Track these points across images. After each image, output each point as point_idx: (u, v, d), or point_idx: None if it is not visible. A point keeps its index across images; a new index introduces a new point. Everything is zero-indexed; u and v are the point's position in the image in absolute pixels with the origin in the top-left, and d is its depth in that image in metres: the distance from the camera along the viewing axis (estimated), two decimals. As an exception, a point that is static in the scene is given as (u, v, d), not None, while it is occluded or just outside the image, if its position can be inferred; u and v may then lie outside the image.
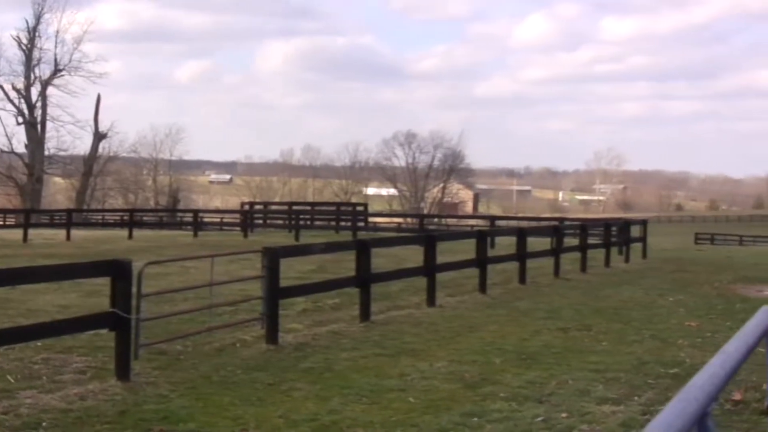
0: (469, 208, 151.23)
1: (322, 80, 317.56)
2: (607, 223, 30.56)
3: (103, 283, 12.24)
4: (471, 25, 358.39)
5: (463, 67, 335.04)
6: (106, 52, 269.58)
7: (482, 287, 20.29)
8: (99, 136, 79.94)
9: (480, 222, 56.28)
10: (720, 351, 2.33)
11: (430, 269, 18.34)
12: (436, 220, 61.10)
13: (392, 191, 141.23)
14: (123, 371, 10.86)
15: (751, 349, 2.51)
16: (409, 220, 65.67)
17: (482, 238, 21.09)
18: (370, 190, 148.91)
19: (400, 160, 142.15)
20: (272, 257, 13.78)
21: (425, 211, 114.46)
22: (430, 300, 18.08)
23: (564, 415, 9.55)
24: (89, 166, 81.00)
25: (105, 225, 54.28)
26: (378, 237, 30.89)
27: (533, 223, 47.05)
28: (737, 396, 10.12)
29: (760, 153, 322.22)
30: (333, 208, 61.68)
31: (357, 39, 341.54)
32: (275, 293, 13.81)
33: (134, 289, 11.47)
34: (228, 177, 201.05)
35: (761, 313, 2.92)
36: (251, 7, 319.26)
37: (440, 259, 19.41)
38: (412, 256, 23.10)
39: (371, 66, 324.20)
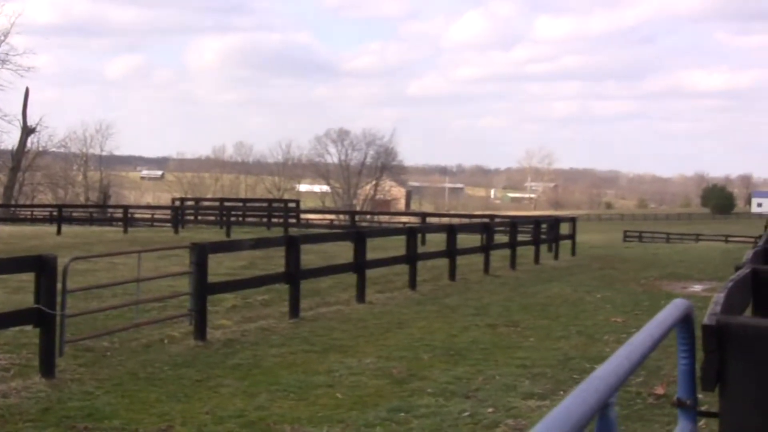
0: (401, 205, 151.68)
1: (255, 77, 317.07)
2: (536, 221, 30.79)
3: (29, 280, 12.08)
4: (406, 24, 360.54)
5: (398, 65, 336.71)
6: (36, 46, 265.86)
7: (412, 284, 20.37)
8: (27, 131, 78.63)
9: (412, 219, 56.47)
10: (627, 342, 2.37)
11: (359, 266, 18.36)
12: (369, 217, 60.99)
13: (325, 188, 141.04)
14: (47, 368, 10.74)
15: (658, 341, 2.55)
16: (341, 216, 65.58)
17: (412, 234, 21.16)
18: (303, 187, 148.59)
19: (332, 157, 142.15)
20: (200, 253, 13.71)
21: (358, 208, 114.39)
22: (360, 296, 18.10)
23: (490, 410, 9.63)
24: (17, 161, 79.61)
25: (33, 221, 53.42)
26: (307, 233, 30.89)
27: (465, 220, 47.28)
28: (660, 390, 10.28)
29: (688, 152, 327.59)
30: (264, 204, 61.42)
31: (292, 36, 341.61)
32: (203, 289, 13.73)
33: (60, 285, 11.35)
34: (160, 173, 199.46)
35: (671, 305, 2.97)
36: (185, 2, 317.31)
37: (371, 255, 19.43)
38: (344, 252, 23.12)
39: (305, 63, 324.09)
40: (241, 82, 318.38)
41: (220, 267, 21.52)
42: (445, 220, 51.18)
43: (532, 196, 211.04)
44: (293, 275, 16.06)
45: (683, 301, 3.12)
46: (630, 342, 2.39)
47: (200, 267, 13.71)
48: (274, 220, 47.07)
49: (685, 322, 3.11)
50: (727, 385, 3.04)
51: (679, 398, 3.13)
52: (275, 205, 60.56)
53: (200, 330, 13.46)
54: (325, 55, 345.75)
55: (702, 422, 2.92)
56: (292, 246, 16.25)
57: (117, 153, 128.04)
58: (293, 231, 39.84)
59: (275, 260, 21.48)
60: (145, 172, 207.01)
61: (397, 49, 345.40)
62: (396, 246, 23.54)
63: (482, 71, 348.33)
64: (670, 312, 2.91)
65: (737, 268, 5.12)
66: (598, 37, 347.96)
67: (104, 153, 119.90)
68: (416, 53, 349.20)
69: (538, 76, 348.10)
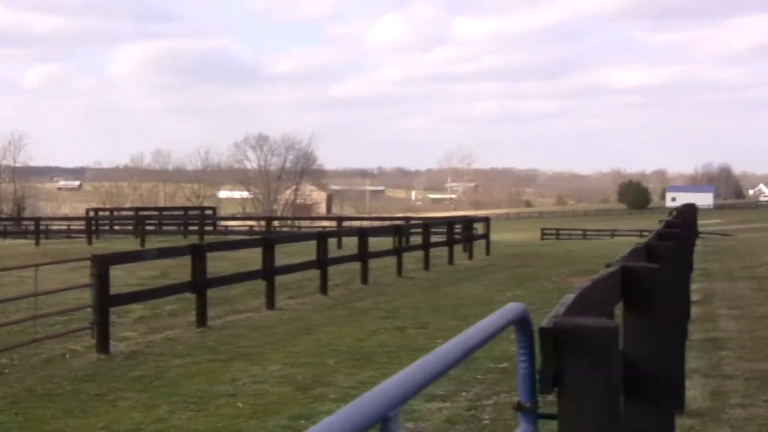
0: (322, 209, 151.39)
1: (176, 83, 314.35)
2: (450, 222, 30.94)
3: None
4: (328, 27, 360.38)
5: (320, 69, 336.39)
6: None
7: (323, 288, 20.30)
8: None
9: (333, 223, 56.32)
10: (432, 352, 2.35)
11: (268, 272, 18.26)
12: (289, 222, 60.76)
13: (245, 194, 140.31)
14: (-60, 387, 10.48)
15: (471, 351, 2.53)
16: (262, 223, 65.28)
17: (322, 239, 21.10)
18: (223, 194, 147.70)
19: (252, 162, 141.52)
20: (101, 265, 13.51)
21: (279, 214, 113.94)
22: (270, 303, 18.00)
23: (391, 413, 9.59)
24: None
25: (-56, 235, 52.35)
26: (213, 241, 30.64)
27: (386, 223, 47.27)
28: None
29: (606, 149, 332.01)
30: (181, 212, 60.83)
31: (214, 41, 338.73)
32: (105, 301, 13.54)
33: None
34: (77, 183, 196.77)
35: (503, 311, 2.95)
36: (105, 10, 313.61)
37: (286, 261, 19.36)
38: (259, 259, 22.96)
39: (228, 68, 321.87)
40: (162, 88, 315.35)
41: (131, 277, 21.30)
42: (366, 224, 51.18)
43: (453, 196, 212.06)
44: (199, 284, 15.91)
45: (516, 305, 3.12)
46: (435, 352, 2.37)
47: (101, 279, 13.51)
48: (191, 227, 46.68)
49: (523, 325, 3.10)
50: (565, 388, 3.04)
51: (520, 401, 3.12)
52: (192, 212, 60.01)
53: (103, 343, 13.26)
54: (248, 59, 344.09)
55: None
56: (197, 254, 16.10)
57: (32, 164, 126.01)
58: (210, 238, 39.55)
59: (188, 269, 21.24)
60: (62, 183, 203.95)
61: (320, 53, 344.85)
62: (311, 251, 23.46)
63: (404, 73, 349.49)
64: (493, 319, 2.89)
65: (607, 266, 5.14)
66: (519, 36, 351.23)
67: (18, 164, 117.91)
68: (338, 56, 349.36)
69: (460, 77, 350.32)
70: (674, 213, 20.15)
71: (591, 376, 2.99)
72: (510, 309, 3.02)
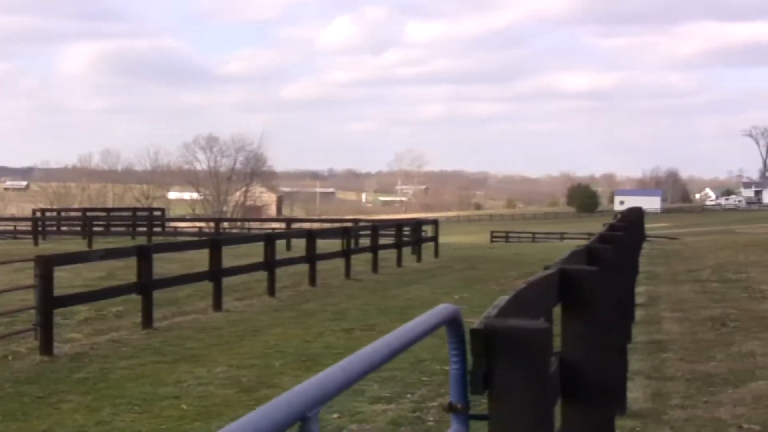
0: (272, 211, 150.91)
1: (125, 83, 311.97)
2: (398, 224, 31.01)
3: None
4: (278, 28, 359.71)
5: (270, 70, 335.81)
6: None
7: (271, 290, 20.26)
8: None
9: (283, 225, 56.17)
10: (355, 353, 2.37)
11: (215, 273, 18.19)
12: (239, 224, 60.52)
13: (195, 195, 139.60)
14: None
15: (397, 352, 2.56)
16: (211, 224, 64.96)
17: (270, 241, 21.06)
18: (173, 195, 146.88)
19: (201, 163, 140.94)
20: (45, 265, 13.39)
21: (229, 215, 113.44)
22: (217, 304, 17.93)
23: (335, 415, 9.61)
24: None
25: None
26: (160, 243, 30.46)
27: (335, 225, 47.21)
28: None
29: (556, 153, 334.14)
30: (129, 213, 60.40)
31: (163, 42, 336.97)
32: (49, 302, 13.42)
33: None
34: (24, 183, 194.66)
35: (425, 316, 2.97)
36: (52, 9, 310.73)
37: (235, 262, 19.29)
38: (207, 260, 22.86)
39: (177, 69, 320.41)
40: (110, 89, 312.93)
41: (77, 278, 21.15)
42: (316, 225, 51.11)
43: (403, 199, 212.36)
44: (145, 285, 15.82)
45: (447, 306, 3.15)
46: (358, 353, 2.39)
47: (45, 280, 13.39)
48: (140, 229, 46.38)
49: (454, 326, 3.13)
50: (496, 389, 3.07)
51: (451, 402, 3.15)
52: (140, 213, 59.62)
53: (46, 344, 13.14)
54: (198, 60, 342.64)
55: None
56: (143, 256, 16.01)
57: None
58: (159, 240, 39.33)
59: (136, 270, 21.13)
60: (9, 183, 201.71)
61: (270, 54, 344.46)
62: (261, 253, 23.35)
63: (354, 75, 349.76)
64: (422, 320, 2.91)
65: (546, 268, 5.19)
66: (469, 40, 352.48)
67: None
68: (289, 58, 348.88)
69: (410, 80, 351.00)
70: (619, 216, 20.33)
71: (521, 378, 3.02)
72: (440, 310, 3.05)
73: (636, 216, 27.39)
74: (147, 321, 15.63)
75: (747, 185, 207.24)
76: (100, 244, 38.70)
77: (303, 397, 1.90)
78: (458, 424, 3.12)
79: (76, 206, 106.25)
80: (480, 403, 3.43)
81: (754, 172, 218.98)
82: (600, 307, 5.54)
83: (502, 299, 3.53)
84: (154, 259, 16.54)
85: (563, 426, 5.33)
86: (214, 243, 18.73)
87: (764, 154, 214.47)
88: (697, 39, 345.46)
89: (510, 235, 72.93)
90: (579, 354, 5.09)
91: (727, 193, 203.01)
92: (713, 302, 18.73)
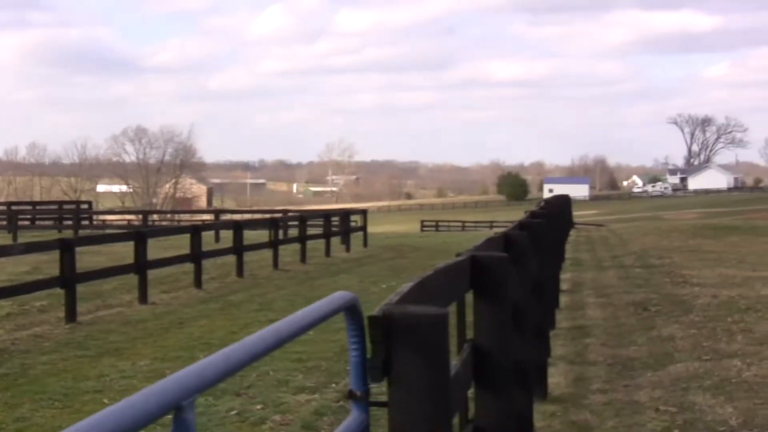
0: (203, 202, 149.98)
1: (52, 74, 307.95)
2: (327, 214, 30.99)
3: None
4: (209, 18, 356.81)
5: (201, 61, 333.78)
6: None
7: (197, 282, 20.15)
8: None
9: (213, 217, 55.85)
10: (240, 341, 2.37)
11: (140, 266, 18.04)
12: (169, 216, 60.06)
13: (124, 188, 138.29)
14: None
15: (285, 340, 2.56)
16: (141, 216, 64.39)
17: (196, 232, 20.93)
18: (101, 188, 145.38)
19: (130, 156, 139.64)
20: (-37, 261, 13.18)
21: (159, 207, 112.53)
22: (142, 297, 17.78)
23: (259, 406, 9.60)
24: None
25: None
26: (84, 236, 30.12)
27: (266, 216, 47.02)
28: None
29: (486, 141, 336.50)
30: (55, 207, 59.62)
31: (91, 32, 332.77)
32: (-32, 298, 13.21)
33: None
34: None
35: (320, 303, 2.97)
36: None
37: (164, 254, 19.14)
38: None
39: (106, 60, 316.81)
40: (36, 80, 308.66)
41: (0, 273, 20.88)
42: (247, 216, 50.88)
43: (334, 189, 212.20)
44: (68, 279, 15.64)
45: (344, 293, 3.16)
46: (242, 341, 2.39)
47: (-36, 275, 13.18)
48: (67, 222, 45.81)
49: (352, 313, 3.15)
50: (395, 376, 3.09)
51: (351, 390, 3.16)
52: (67, 207, 58.88)
53: (-34, 340, 12.94)
54: (127, 51, 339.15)
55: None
56: (66, 249, 15.82)
57: None
58: (86, 233, 38.88)
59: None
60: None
61: (200, 44, 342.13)
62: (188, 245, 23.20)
63: (285, 65, 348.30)
64: (316, 308, 2.92)
65: (458, 255, 5.22)
66: (401, 29, 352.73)
67: None
68: (219, 48, 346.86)
69: (342, 69, 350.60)
70: (542, 204, 20.53)
71: (419, 364, 3.04)
72: (336, 298, 3.06)
73: (561, 203, 27.67)
74: (71, 315, 15.45)
75: (672, 172, 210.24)
76: (25, 238, 38.14)
77: (177, 385, 1.89)
78: (358, 411, 3.14)
79: (1, 200, 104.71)
80: (383, 391, 3.45)
81: (679, 159, 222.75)
82: (512, 293, 5.60)
83: (406, 286, 3.55)
84: (81, 253, 16.39)
85: (477, 412, 5.38)
86: (139, 235, 18.57)
87: (689, 141, 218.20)
88: (626, 27, 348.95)
89: (440, 224, 73.27)
90: (490, 340, 5.14)
91: (654, 180, 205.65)
92: (636, 287, 19.02)
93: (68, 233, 41.08)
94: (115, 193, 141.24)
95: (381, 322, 3.08)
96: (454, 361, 4.82)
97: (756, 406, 9.20)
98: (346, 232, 31.72)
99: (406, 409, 3.08)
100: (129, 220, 61.40)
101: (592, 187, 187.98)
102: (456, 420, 5.37)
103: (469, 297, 5.40)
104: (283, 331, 2.51)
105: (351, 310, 3.12)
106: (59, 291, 16.51)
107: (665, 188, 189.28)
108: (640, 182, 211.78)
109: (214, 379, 2.05)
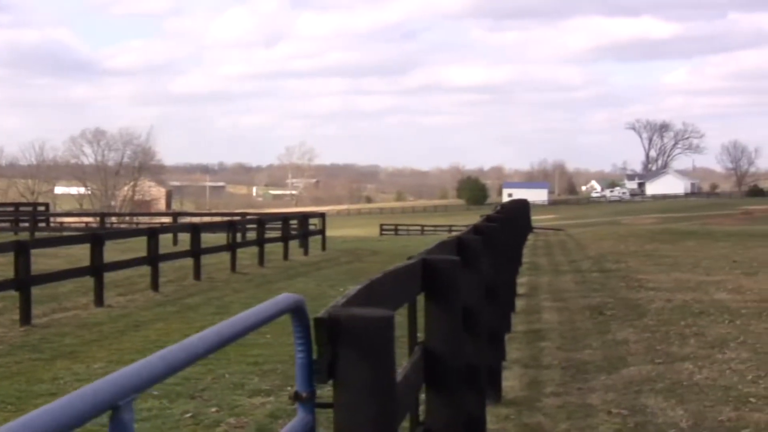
0: (162, 205, 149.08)
1: (10, 76, 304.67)
2: (285, 217, 30.97)
3: None
4: (169, 20, 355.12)
5: (161, 63, 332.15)
6: None
7: (154, 285, 20.06)
8: None
9: (171, 219, 55.62)
10: (180, 342, 2.39)
11: (97, 268, 17.94)
12: (128, 218, 59.70)
13: (82, 190, 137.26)
14: None
15: (227, 341, 2.58)
16: (98, 219, 63.98)
17: (153, 235, 20.85)
18: (59, 189, 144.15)
19: (89, 158, 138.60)
20: None
21: (117, 210, 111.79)
22: (98, 300, 17.68)
23: (214, 409, 9.59)
24: None
25: None
26: (39, 238, 29.89)
27: (224, 219, 46.90)
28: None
29: (446, 146, 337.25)
30: (12, 209, 59.07)
31: (51, 33, 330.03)
32: None
33: None
34: None
35: (265, 304, 2.99)
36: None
37: (119, 257, 19.01)
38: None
39: (65, 61, 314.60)
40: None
41: (-46, 276, 20.66)
42: (206, 219, 50.73)
43: (294, 192, 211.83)
44: (23, 281, 15.52)
45: (289, 295, 3.18)
46: (182, 342, 2.41)
47: None
48: (23, 224, 45.41)
49: (298, 315, 3.17)
50: (340, 377, 3.12)
51: (297, 391, 3.19)
52: (23, 209, 58.36)
53: None
54: (87, 53, 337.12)
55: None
56: (21, 251, 15.71)
57: None
58: (43, 235, 38.58)
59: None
60: None
61: (161, 47, 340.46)
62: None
63: (245, 68, 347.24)
64: (260, 309, 2.94)
65: (410, 259, 5.25)
66: (362, 34, 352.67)
67: None
68: (180, 51, 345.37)
69: (302, 73, 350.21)
70: (498, 208, 20.64)
71: (364, 366, 3.07)
72: (282, 299, 3.09)
73: (518, 207, 27.82)
74: (25, 318, 15.34)
75: (631, 177, 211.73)
76: (-20, 240, 37.87)
77: (113, 385, 1.91)
78: (304, 412, 3.16)
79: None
80: (329, 393, 3.48)
81: (637, 165, 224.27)
82: (464, 296, 5.64)
83: (354, 289, 3.58)
84: (37, 255, 16.28)
85: (427, 414, 5.41)
86: (96, 237, 18.46)
87: (647, 147, 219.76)
88: (586, 34, 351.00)
89: (399, 227, 73.35)
90: (441, 342, 5.18)
91: (612, 185, 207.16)
92: (592, 291, 19.17)
93: (24, 235, 40.77)
94: (73, 195, 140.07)
95: (326, 324, 3.11)
96: (405, 364, 4.85)
97: (706, 409, 9.32)
98: (304, 236, 31.70)
99: (351, 411, 3.11)
100: (87, 223, 60.97)
101: (551, 192, 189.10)
102: (407, 422, 5.41)
103: (422, 300, 5.44)
104: (225, 332, 2.53)
105: (297, 311, 3.15)
106: (14, 293, 16.39)
107: (623, 193, 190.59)
108: (598, 187, 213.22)
109: (152, 379, 2.07)
